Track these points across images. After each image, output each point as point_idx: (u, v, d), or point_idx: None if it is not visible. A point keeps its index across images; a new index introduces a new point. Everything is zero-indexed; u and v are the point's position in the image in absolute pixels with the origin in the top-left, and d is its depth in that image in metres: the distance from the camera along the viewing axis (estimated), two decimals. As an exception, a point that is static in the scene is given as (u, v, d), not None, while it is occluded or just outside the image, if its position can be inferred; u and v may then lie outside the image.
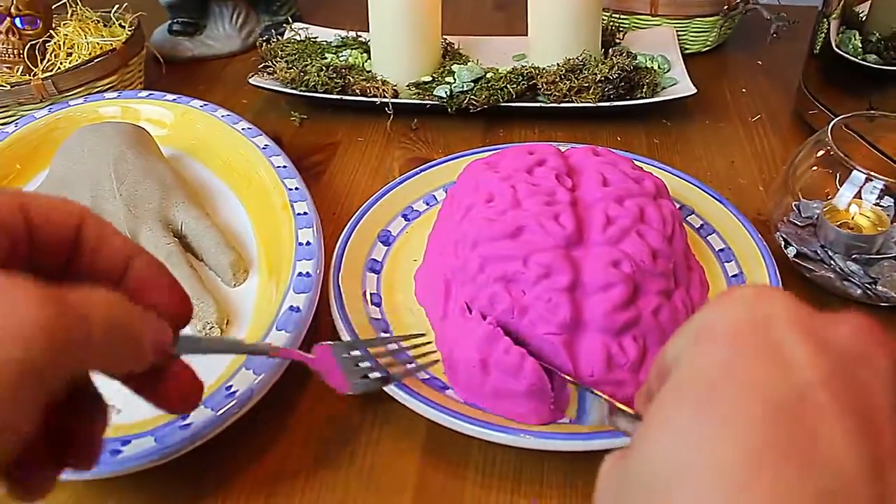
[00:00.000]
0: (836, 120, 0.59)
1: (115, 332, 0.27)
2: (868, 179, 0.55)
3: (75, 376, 0.26)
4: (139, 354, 0.29)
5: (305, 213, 0.58)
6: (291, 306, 0.49)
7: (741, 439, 0.23)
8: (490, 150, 0.65)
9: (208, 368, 0.48)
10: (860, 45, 0.73)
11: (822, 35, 0.76)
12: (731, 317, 0.27)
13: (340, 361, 0.43)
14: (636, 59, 0.79)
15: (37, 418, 0.25)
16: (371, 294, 0.55)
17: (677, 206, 0.56)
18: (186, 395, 0.34)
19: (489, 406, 0.46)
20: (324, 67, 0.79)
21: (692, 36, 0.93)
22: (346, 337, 0.49)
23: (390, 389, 0.46)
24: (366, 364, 0.44)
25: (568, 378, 0.44)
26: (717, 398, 0.24)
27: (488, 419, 0.45)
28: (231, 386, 0.45)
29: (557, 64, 0.78)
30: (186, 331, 0.41)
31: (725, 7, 0.92)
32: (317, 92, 0.79)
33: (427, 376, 0.48)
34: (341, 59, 0.84)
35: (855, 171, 0.55)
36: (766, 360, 0.25)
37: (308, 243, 0.55)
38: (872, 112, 0.62)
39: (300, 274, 0.52)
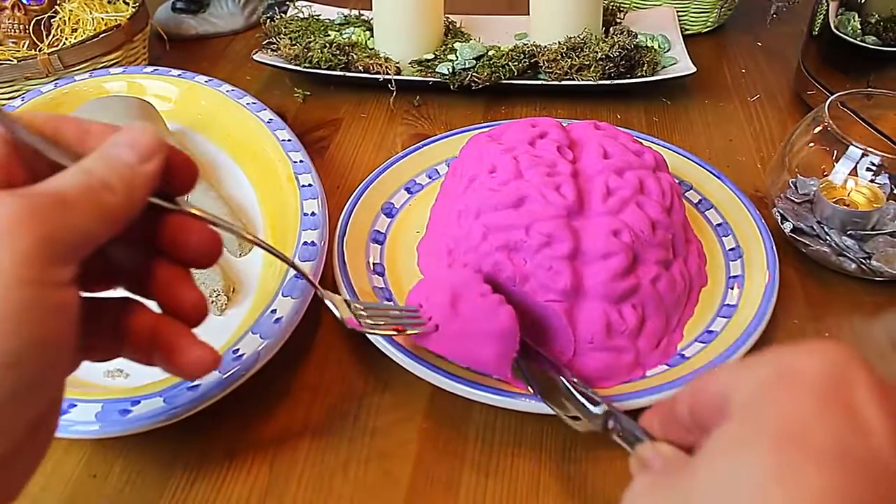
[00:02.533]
0: (833, 97, 0.60)
1: (91, 194, 0.28)
2: (864, 154, 0.56)
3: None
4: (119, 198, 0.29)
5: (310, 185, 0.58)
6: (297, 274, 0.50)
7: (822, 492, 0.24)
8: (492, 126, 0.65)
9: (216, 333, 0.50)
10: (859, 27, 0.74)
11: (821, 16, 0.76)
12: (817, 370, 0.27)
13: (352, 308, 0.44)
14: (637, 39, 0.80)
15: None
16: (375, 264, 0.56)
17: (676, 181, 0.57)
18: (207, 246, 0.34)
19: (451, 349, 0.45)
20: (327, 44, 0.80)
21: (692, 16, 0.94)
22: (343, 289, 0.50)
23: (393, 354, 0.47)
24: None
25: (575, 381, 0.45)
26: (798, 451, 0.25)
27: (489, 383, 0.46)
28: (238, 349, 0.46)
29: (559, 42, 0.79)
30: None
31: (726, -12, 0.93)
32: (320, 68, 0.80)
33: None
34: (344, 36, 0.84)
35: (851, 147, 0.56)
36: (848, 421, 0.26)
37: (313, 214, 0.55)
38: (870, 90, 0.62)
39: (305, 243, 0.53)
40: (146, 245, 0.34)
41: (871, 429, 0.26)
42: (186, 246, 0.34)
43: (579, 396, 0.43)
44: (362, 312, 0.44)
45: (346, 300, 0.45)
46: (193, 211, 0.34)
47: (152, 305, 0.35)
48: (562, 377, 0.45)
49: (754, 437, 0.26)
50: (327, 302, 0.42)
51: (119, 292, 0.35)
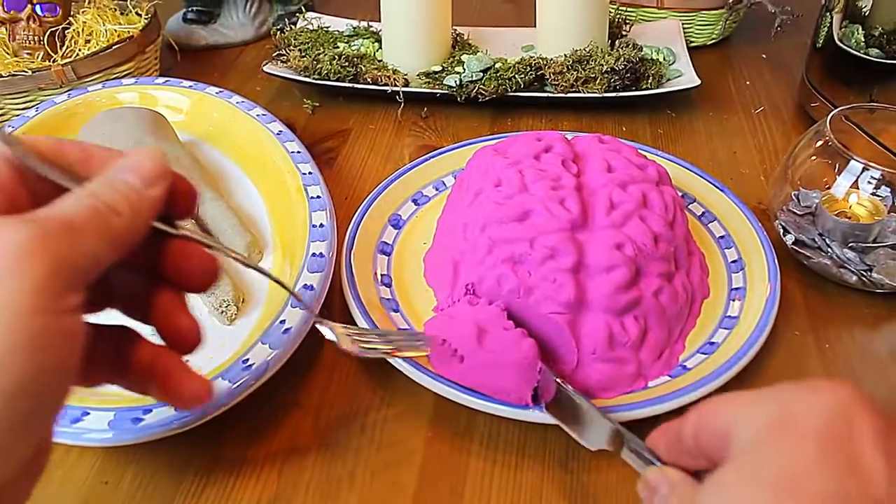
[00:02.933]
0: (835, 111, 0.61)
1: (97, 218, 0.28)
2: (865, 169, 0.57)
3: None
4: (125, 219, 0.29)
5: (319, 197, 0.59)
6: (305, 284, 0.51)
7: None
8: (498, 138, 0.66)
9: (226, 342, 0.51)
10: (863, 39, 0.74)
11: (825, 29, 0.77)
12: (818, 415, 0.28)
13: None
14: (642, 51, 0.81)
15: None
16: (382, 275, 0.57)
17: (679, 193, 0.57)
18: (206, 270, 0.35)
19: (471, 379, 0.46)
20: (336, 56, 0.81)
21: (698, 29, 0.95)
22: (357, 315, 0.51)
23: (399, 364, 0.48)
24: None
25: (582, 396, 0.45)
26: (798, 498, 0.26)
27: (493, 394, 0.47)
28: (247, 359, 0.47)
29: (565, 55, 0.79)
30: (203, 310, 0.43)
31: (730, 1, 0.93)
32: (329, 80, 0.81)
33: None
34: (353, 48, 0.85)
35: (852, 161, 0.57)
36: (848, 469, 0.26)
37: (321, 225, 0.56)
38: (873, 104, 0.63)
39: (314, 254, 0.54)
40: (145, 269, 0.35)
41: (871, 477, 0.26)
42: (186, 269, 0.34)
43: (592, 414, 0.43)
44: (357, 337, 0.45)
45: (343, 327, 0.45)
46: (194, 236, 0.34)
47: (145, 330, 0.36)
48: (573, 394, 0.45)
49: (754, 484, 0.27)
50: (322, 329, 0.43)
51: (114, 319, 0.36)
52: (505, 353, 0.46)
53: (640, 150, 0.58)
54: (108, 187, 0.30)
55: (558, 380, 0.45)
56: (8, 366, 0.24)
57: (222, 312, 0.54)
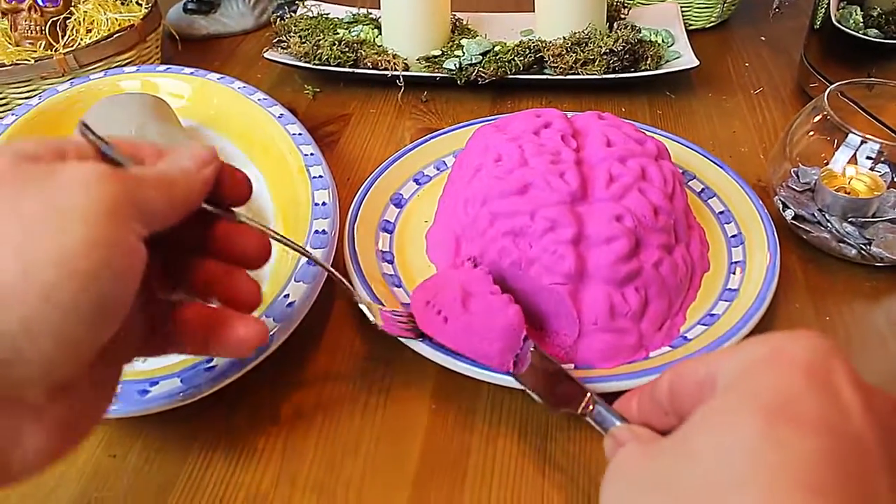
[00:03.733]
0: (834, 86, 0.61)
1: (161, 181, 0.33)
2: (863, 142, 0.57)
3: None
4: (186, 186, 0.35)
5: (321, 177, 0.60)
6: (308, 260, 0.52)
7: (812, 455, 0.26)
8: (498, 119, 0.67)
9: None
10: (861, 20, 0.75)
11: (823, 10, 0.77)
12: (802, 352, 0.29)
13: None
14: (640, 33, 0.81)
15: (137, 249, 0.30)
16: (384, 252, 0.57)
17: (679, 170, 0.58)
18: (259, 250, 0.40)
19: (455, 342, 0.47)
20: (336, 42, 0.82)
21: (696, 11, 0.95)
22: (361, 290, 0.52)
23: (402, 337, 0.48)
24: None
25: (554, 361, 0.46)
26: (789, 419, 0.27)
27: (496, 364, 0.47)
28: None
29: (563, 37, 0.80)
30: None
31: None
32: (330, 66, 0.81)
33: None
34: (353, 34, 0.86)
35: (850, 134, 0.57)
36: (832, 400, 0.28)
37: (324, 203, 0.57)
38: (871, 80, 0.63)
39: (316, 231, 0.54)
40: (205, 252, 0.39)
41: (851, 410, 0.28)
42: (242, 249, 0.39)
43: (563, 378, 0.44)
44: (396, 318, 0.48)
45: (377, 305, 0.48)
46: (244, 218, 0.39)
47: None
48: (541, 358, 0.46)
49: (745, 407, 0.28)
50: (363, 308, 0.47)
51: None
52: (490, 317, 0.46)
53: (638, 128, 0.59)
54: (171, 164, 0.35)
55: (533, 345, 0.46)
56: (83, 250, 0.27)
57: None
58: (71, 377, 0.30)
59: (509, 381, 0.46)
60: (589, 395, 0.41)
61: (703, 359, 0.33)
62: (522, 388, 0.45)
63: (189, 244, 0.39)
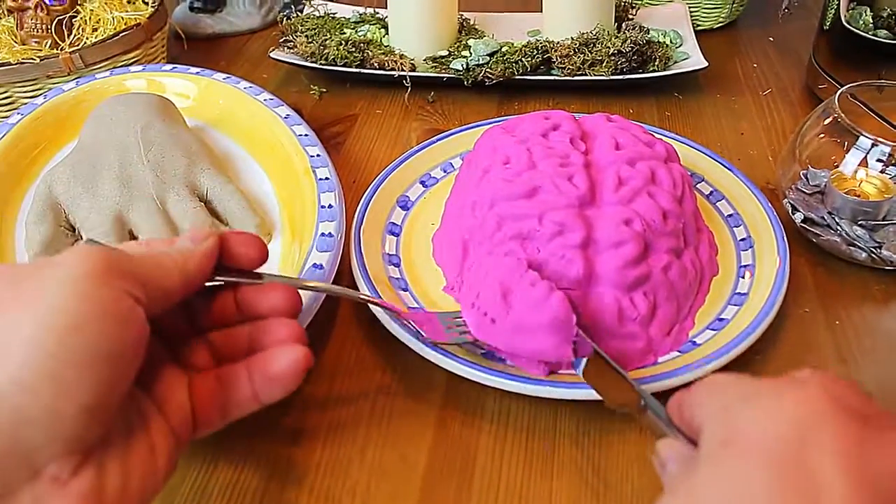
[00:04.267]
0: (844, 88, 0.60)
1: (156, 256, 0.34)
2: (874, 145, 0.56)
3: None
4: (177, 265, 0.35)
5: (327, 178, 0.60)
6: (315, 263, 0.51)
7: None
8: (505, 120, 0.66)
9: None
10: (871, 21, 0.74)
11: (833, 10, 0.77)
12: (774, 433, 0.26)
13: (438, 318, 0.48)
14: (649, 34, 0.81)
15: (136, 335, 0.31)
16: (390, 255, 0.57)
17: (688, 173, 0.57)
18: (285, 301, 0.40)
19: (509, 343, 0.46)
20: (343, 42, 0.81)
21: (704, 12, 0.95)
22: (367, 293, 0.51)
23: (409, 342, 0.48)
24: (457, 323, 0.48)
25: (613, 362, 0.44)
26: None
27: (504, 369, 0.47)
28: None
29: (571, 38, 0.79)
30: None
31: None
32: (336, 65, 0.81)
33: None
34: (359, 34, 0.85)
35: (861, 137, 0.57)
36: (799, 492, 0.24)
37: (330, 206, 0.57)
38: (881, 82, 0.63)
39: (323, 234, 0.54)
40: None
41: (826, 500, 0.24)
42: (270, 305, 0.40)
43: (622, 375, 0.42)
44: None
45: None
46: (269, 277, 0.40)
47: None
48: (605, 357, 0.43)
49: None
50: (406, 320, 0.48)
51: None
52: (535, 311, 0.44)
53: (647, 130, 0.58)
54: (166, 245, 0.37)
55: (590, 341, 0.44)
56: (60, 307, 0.28)
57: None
58: (89, 439, 0.29)
59: (517, 387, 0.46)
60: (640, 395, 0.40)
61: (696, 400, 0.32)
62: (561, 396, 0.46)
63: (214, 321, 0.40)
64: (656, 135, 0.59)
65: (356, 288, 0.52)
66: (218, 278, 0.38)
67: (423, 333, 0.47)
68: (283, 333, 0.39)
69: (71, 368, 0.27)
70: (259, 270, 0.41)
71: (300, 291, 0.42)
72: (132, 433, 0.33)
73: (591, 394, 0.45)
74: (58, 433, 0.28)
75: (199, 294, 0.38)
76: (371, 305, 0.49)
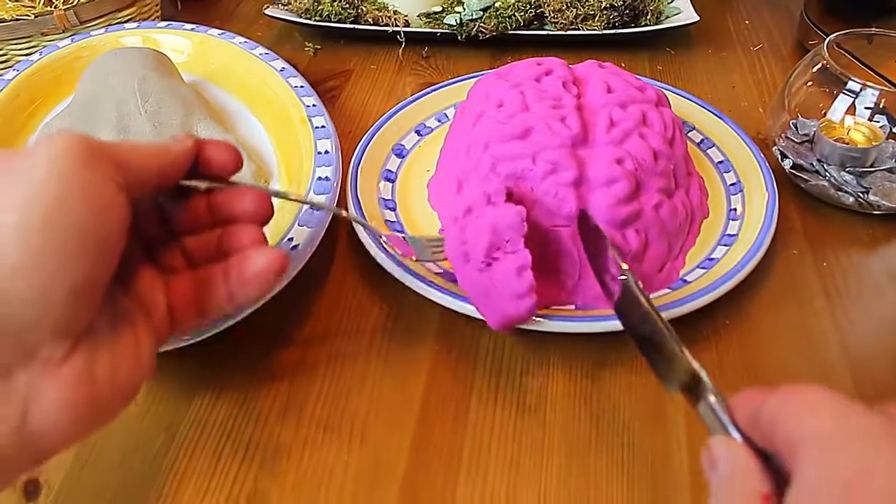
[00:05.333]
0: (833, 36, 0.61)
1: (137, 146, 0.34)
2: (862, 89, 0.57)
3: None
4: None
5: (323, 126, 0.60)
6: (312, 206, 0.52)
7: None
8: (499, 72, 0.67)
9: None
10: (862, -24, 0.75)
11: (824, -35, 0.77)
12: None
13: (413, 242, 0.48)
14: (641, -11, 0.81)
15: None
16: (386, 199, 0.58)
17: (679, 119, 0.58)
18: (256, 207, 0.39)
19: (471, 288, 0.46)
20: (336, -2, 0.82)
21: (696, -31, 0.95)
22: (364, 235, 0.52)
23: (406, 279, 0.49)
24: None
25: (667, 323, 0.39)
26: None
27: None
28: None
29: (564, -7, 0.80)
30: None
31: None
32: (330, 21, 0.81)
33: (440, 270, 0.51)
34: (353, -10, 0.86)
35: (850, 82, 0.58)
36: None
37: (326, 152, 0.57)
38: (871, 30, 0.63)
39: (319, 178, 0.55)
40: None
41: None
42: (242, 211, 0.39)
43: (678, 348, 0.37)
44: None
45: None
46: (243, 183, 0.39)
47: None
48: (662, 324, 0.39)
49: None
50: (384, 238, 0.49)
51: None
52: (504, 292, 0.44)
53: (638, 77, 0.59)
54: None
55: (641, 290, 0.41)
56: (47, 185, 0.28)
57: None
58: (77, 321, 0.30)
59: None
60: (698, 376, 0.35)
61: (800, 410, 0.29)
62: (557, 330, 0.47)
63: (188, 226, 0.39)
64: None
65: (354, 233, 0.53)
66: (193, 182, 0.38)
67: (398, 251, 0.48)
68: (249, 238, 0.39)
69: (58, 248, 0.28)
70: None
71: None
72: (117, 325, 0.33)
73: (582, 327, 0.47)
74: (47, 314, 0.28)
75: (172, 198, 0.39)
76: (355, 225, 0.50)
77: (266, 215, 0.40)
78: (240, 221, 0.39)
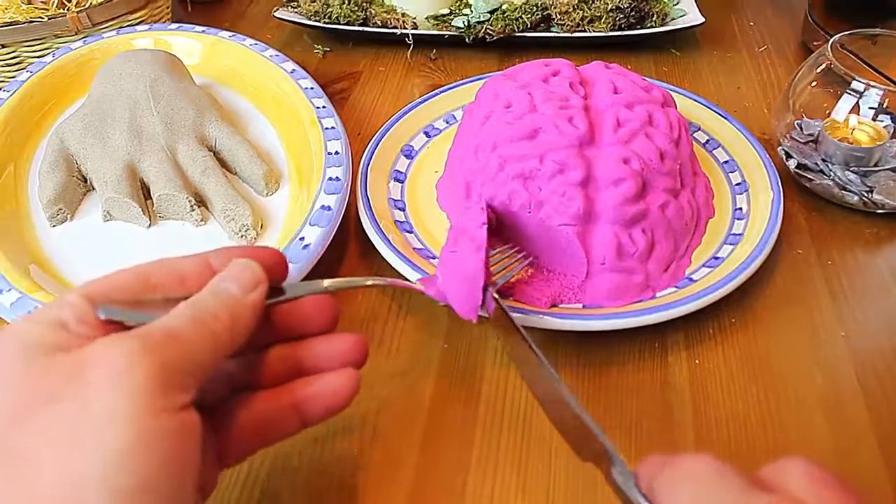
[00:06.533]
0: (837, 36, 0.62)
1: (195, 324, 0.30)
2: (866, 89, 0.58)
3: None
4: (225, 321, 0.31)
5: (333, 128, 0.61)
6: (323, 205, 0.53)
7: None
8: (506, 73, 0.68)
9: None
10: (866, -24, 0.75)
11: (828, -34, 0.78)
12: None
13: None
14: (646, -9, 0.82)
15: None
16: (395, 200, 0.59)
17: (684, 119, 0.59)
18: (320, 311, 0.37)
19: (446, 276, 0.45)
20: (346, 1, 0.83)
21: (702, -29, 0.96)
22: (374, 237, 0.53)
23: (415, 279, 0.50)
24: None
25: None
26: None
27: (506, 303, 0.48)
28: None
29: (570, -5, 0.81)
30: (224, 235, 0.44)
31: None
32: (339, 24, 0.82)
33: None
34: (362, -7, 0.87)
35: (854, 82, 0.58)
36: None
37: (336, 153, 0.58)
38: (875, 30, 0.64)
39: (330, 178, 0.56)
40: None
41: None
42: (304, 320, 0.37)
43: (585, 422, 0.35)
44: None
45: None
46: (303, 291, 0.37)
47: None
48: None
49: None
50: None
51: None
52: (462, 263, 0.45)
53: (644, 78, 0.60)
54: (209, 297, 0.32)
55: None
56: (127, 465, 0.25)
57: (242, 237, 0.56)
58: None
59: (518, 319, 0.47)
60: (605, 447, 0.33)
61: (665, 480, 0.28)
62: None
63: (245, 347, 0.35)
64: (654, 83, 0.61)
65: (364, 233, 0.54)
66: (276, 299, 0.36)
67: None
68: (343, 348, 0.37)
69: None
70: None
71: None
72: None
73: (590, 325, 0.47)
74: None
75: None
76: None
77: (333, 320, 0.38)
78: (300, 332, 0.37)
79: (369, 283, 0.42)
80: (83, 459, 0.25)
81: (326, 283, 0.38)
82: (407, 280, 0.47)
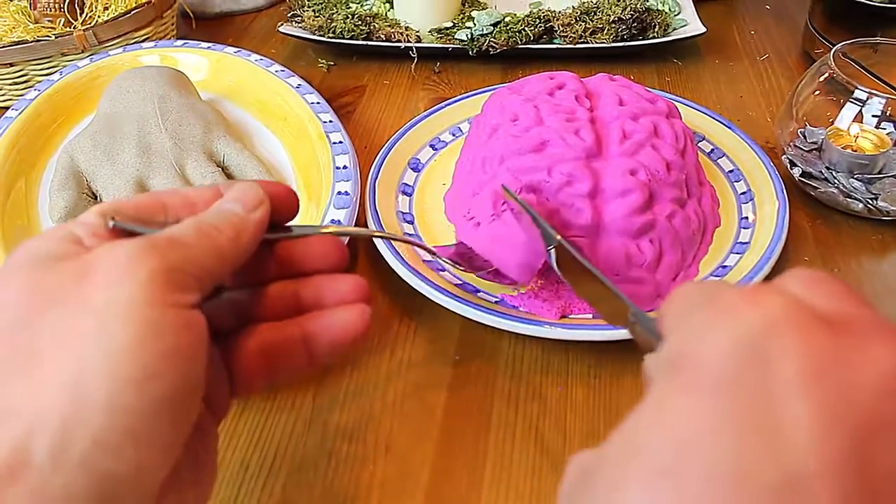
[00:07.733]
0: (838, 45, 0.62)
1: (198, 233, 0.31)
2: (869, 97, 0.58)
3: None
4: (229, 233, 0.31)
5: (340, 142, 0.62)
6: (332, 220, 0.54)
7: None
8: (511, 86, 0.68)
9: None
10: (867, -15, 0.76)
11: (829, -25, 0.79)
12: (721, 346, 0.21)
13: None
14: (648, 1, 0.83)
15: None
16: (404, 213, 0.59)
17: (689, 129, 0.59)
18: (327, 253, 0.36)
19: (488, 249, 0.47)
20: (349, 15, 0.83)
21: (702, -19, 0.96)
22: (383, 248, 0.53)
23: (427, 291, 0.50)
24: None
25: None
26: (680, 478, 0.20)
27: (517, 315, 0.49)
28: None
29: (573, 7, 0.81)
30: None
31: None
32: (343, 38, 0.83)
33: (460, 281, 0.52)
34: (365, 7, 0.87)
35: (857, 90, 0.59)
36: (756, 429, 0.19)
37: (345, 167, 0.59)
38: (877, 39, 0.64)
39: (339, 193, 0.56)
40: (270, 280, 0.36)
41: (786, 436, 0.19)
42: (312, 261, 0.36)
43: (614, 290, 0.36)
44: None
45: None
46: (312, 230, 0.37)
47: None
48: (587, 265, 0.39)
49: (633, 465, 0.22)
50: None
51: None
52: (518, 230, 0.46)
53: (648, 89, 0.60)
54: (214, 214, 0.32)
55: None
56: (132, 355, 0.26)
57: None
58: (166, 475, 0.28)
59: (530, 330, 0.48)
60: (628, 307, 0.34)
61: (667, 309, 0.27)
62: (571, 338, 0.47)
63: (251, 279, 0.35)
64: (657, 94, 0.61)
65: (373, 245, 0.54)
66: (277, 234, 0.35)
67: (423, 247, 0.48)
68: (344, 288, 0.36)
69: (152, 418, 0.26)
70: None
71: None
72: (198, 453, 0.31)
73: (601, 335, 0.48)
74: (143, 483, 0.26)
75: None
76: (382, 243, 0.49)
77: (341, 262, 0.37)
78: (307, 272, 0.36)
79: (377, 234, 0.45)
80: (89, 351, 0.25)
81: (333, 228, 0.38)
82: (424, 246, 0.48)
